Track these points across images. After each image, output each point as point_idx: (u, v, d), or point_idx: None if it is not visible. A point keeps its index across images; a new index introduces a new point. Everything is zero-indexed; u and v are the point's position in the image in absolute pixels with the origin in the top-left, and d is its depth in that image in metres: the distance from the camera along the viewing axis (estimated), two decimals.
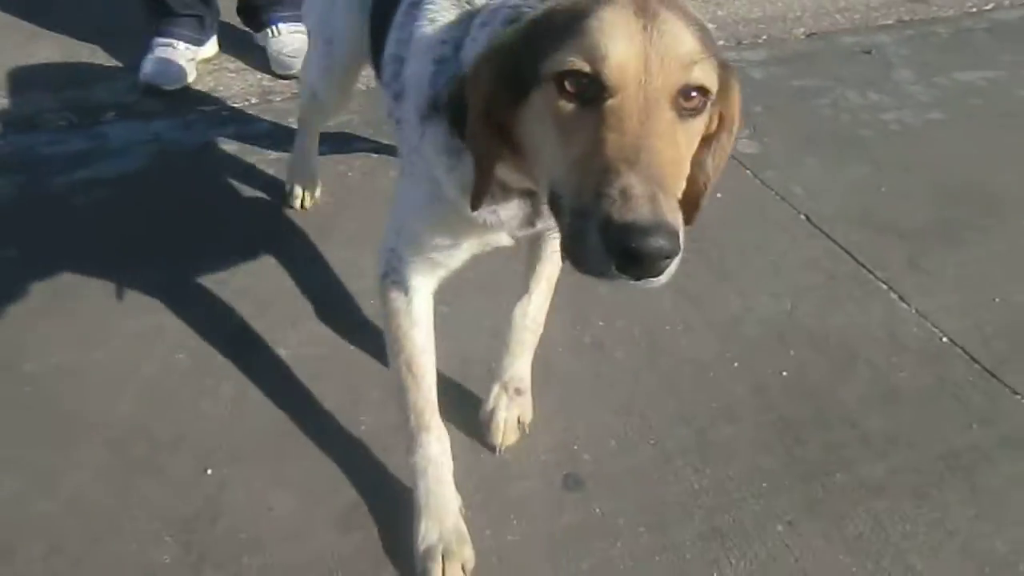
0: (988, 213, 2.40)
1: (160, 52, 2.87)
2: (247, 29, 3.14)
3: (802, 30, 3.56)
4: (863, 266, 2.15)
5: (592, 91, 0.97)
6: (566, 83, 0.98)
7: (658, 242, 0.86)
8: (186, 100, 2.79)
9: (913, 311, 2.01)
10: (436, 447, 1.47)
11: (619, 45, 0.96)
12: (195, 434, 1.65)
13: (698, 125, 1.03)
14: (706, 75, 1.00)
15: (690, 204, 1.13)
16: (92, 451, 1.59)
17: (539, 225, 1.29)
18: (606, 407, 1.74)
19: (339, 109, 2.18)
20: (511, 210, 1.25)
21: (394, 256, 1.40)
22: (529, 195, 1.22)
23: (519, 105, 1.05)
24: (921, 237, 2.27)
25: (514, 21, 1.12)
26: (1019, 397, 1.78)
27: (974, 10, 3.80)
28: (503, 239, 1.36)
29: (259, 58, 3.04)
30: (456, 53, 1.21)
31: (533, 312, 1.68)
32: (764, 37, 3.48)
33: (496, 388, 1.69)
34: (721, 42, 3.40)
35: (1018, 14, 3.78)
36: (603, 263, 0.90)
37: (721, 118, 1.11)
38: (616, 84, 0.96)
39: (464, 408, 1.71)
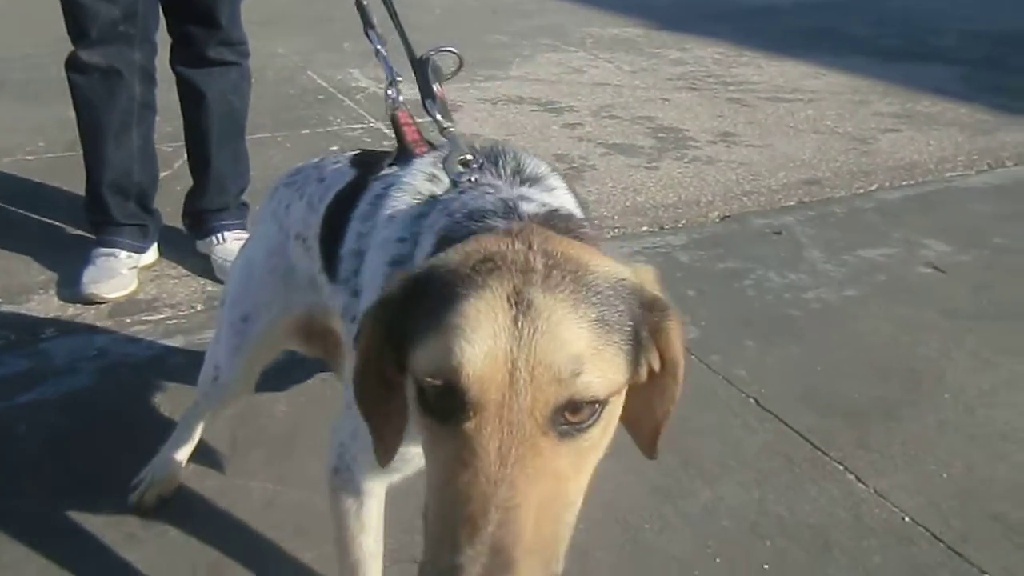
0: (914, 388, 2.57)
1: (101, 262, 2.86)
2: (185, 232, 3.18)
3: (716, 213, 3.85)
4: (817, 448, 2.25)
5: (451, 406, 0.82)
6: (425, 392, 0.85)
7: None
8: (130, 310, 2.76)
9: (872, 491, 2.10)
10: None
11: (476, 350, 0.80)
12: None
13: (592, 437, 0.86)
14: (599, 382, 0.83)
15: (649, 438, 1.07)
16: None
17: None
18: None
19: (239, 396, 1.92)
20: None
21: (346, 453, 1.30)
22: None
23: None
24: (863, 416, 2.41)
25: (444, 240, 1.03)
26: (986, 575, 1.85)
27: (861, 191, 4.20)
28: None
29: (200, 263, 3.06)
30: (414, 252, 1.12)
31: None
32: (683, 221, 3.74)
33: None
34: (644, 228, 3.64)
35: (899, 194, 4.20)
36: None
37: (663, 362, 0.96)
38: (474, 403, 0.80)
39: None
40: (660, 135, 4.95)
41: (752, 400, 2.45)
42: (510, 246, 0.90)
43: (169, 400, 2.31)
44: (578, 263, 0.90)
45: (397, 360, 0.92)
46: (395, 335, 0.91)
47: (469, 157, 1.19)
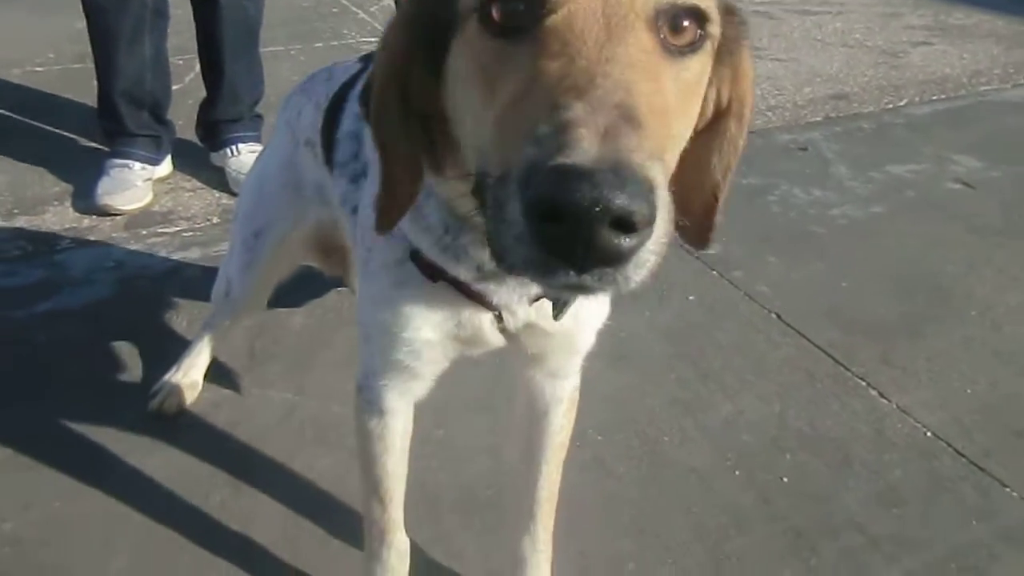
0: (941, 304, 2.52)
1: (115, 173, 2.82)
2: (200, 146, 3.13)
3: None
4: (840, 363, 2.22)
5: (527, 11, 0.70)
6: (492, 10, 0.71)
7: (607, 191, 0.55)
8: (146, 223, 2.74)
9: (894, 407, 2.08)
10: (395, 559, 1.41)
11: None
12: None
13: (693, 70, 0.75)
14: None
15: (701, 219, 0.92)
16: None
17: (535, 289, 1.01)
18: (618, 528, 1.72)
19: (251, 311, 1.93)
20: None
21: (367, 370, 1.23)
22: None
23: (442, 71, 0.80)
24: (887, 332, 2.37)
25: None
26: (1008, 490, 1.84)
27: (891, 106, 4.08)
28: (488, 332, 1.12)
29: (215, 176, 3.02)
30: None
31: (543, 534, 1.48)
32: None
33: None
34: None
35: (929, 109, 4.08)
36: (524, 243, 0.59)
37: (729, 99, 0.84)
38: None
39: (472, 536, 1.67)
40: None
41: (774, 315, 2.41)
42: None
43: (186, 311, 2.30)
44: None
45: (431, 71, 0.79)
46: (427, 34, 0.78)
47: None
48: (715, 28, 0.76)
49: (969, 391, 2.15)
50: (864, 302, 2.51)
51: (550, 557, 1.53)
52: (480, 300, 1.06)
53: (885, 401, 2.10)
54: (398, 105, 0.83)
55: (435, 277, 1.05)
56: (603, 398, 2.02)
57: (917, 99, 4.19)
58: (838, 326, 2.38)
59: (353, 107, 1.22)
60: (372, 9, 5.17)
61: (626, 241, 0.57)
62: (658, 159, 0.61)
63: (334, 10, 5.19)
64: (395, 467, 1.33)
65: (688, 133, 0.79)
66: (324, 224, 1.58)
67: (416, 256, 1.05)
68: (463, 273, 1.02)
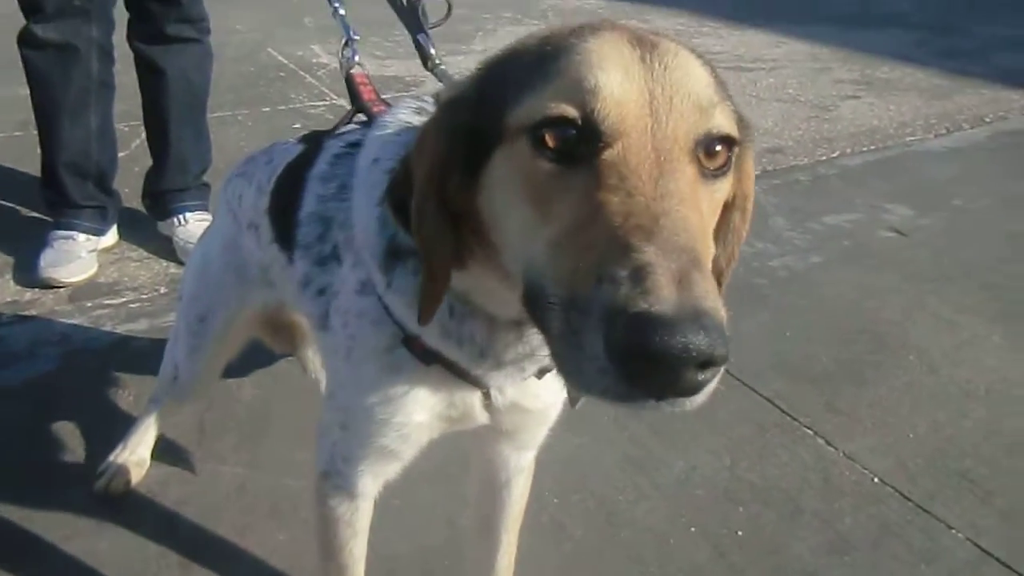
0: (880, 350, 2.60)
1: (59, 245, 2.78)
2: (147, 214, 3.11)
3: None
4: (787, 414, 2.28)
5: (582, 143, 0.75)
6: (546, 136, 0.76)
7: (694, 338, 0.62)
8: (91, 294, 2.70)
9: (841, 454, 2.13)
10: None
11: (614, 77, 0.76)
12: None
13: (723, 189, 0.82)
14: (730, 121, 0.81)
15: None
16: None
17: (532, 370, 1.05)
18: None
19: (200, 395, 1.87)
20: (495, 351, 1.02)
21: (337, 455, 1.20)
22: (517, 325, 1.00)
23: (479, 176, 0.84)
24: (831, 380, 2.44)
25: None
26: (954, 531, 1.89)
27: (824, 158, 4.24)
28: (477, 411, 1.14)
29: (162, 245, 3.00)
30: None
31: None
32: None
33: None
34: None
35: (860, 160, 4.25)
36: (607, 375, 0.66)
37: (734, 195, 0.90)
38: (615, 129, 0.75)
39: None
40: None
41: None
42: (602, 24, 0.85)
43: (134, 385, 2.27)
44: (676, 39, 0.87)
45: (467, 170, 0.84)
46: (465, 141, 0.83)
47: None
48: (738, 145, 0.84)
49: (911, 435, 2.22)
50: (807, 351, 2.58)
51: None
52: (472, 380, 1.08)
53: (832, 449, 2.15)
54: (436, 207, 0.87)
55: (429, 360, 1.06)
56: (559, 460, 2.03)
57: (849, 151, 4.36)
58: (784, 376, 2.44)
59: (315, 188, 1.23)
60: (319, 73, 5.22)
61: (705, 376, 0.65)
62: (717, 294, 0.68)
63: (281, 74, 5.23)
64: (360, 550, 1.32)
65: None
66: (270, 304, 1.58)
67: (409, 341, 1.06)
68: (464, 358, 1.04)
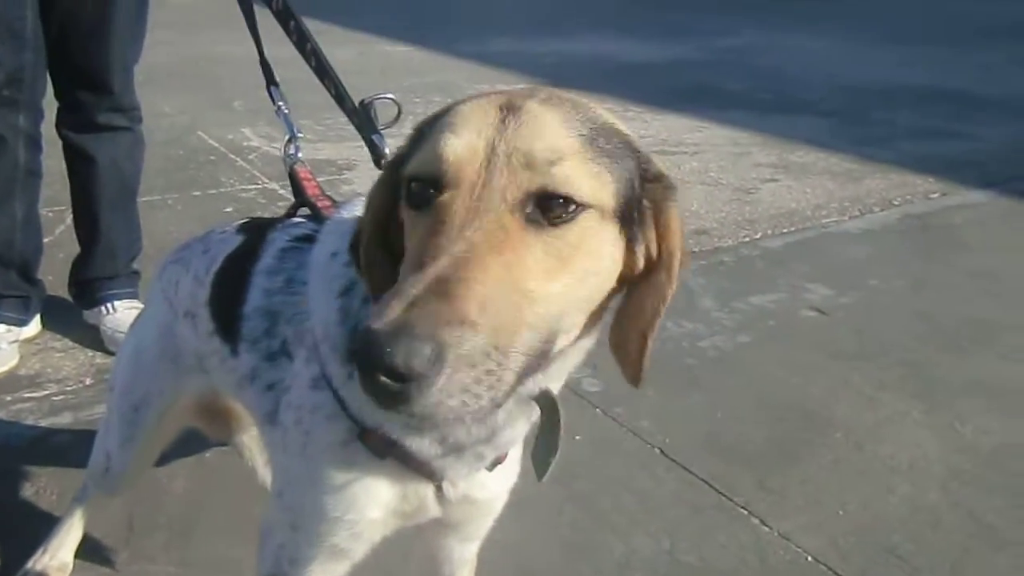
0: (808, 428, 2.69)
1: None
2: (71, 301, 3.04)
3: None
4: (722, 494, 2.32)
5: (431, 191, 0.86)
6: (412, 186, 0.89)
7: (384, 351, 0.70)
8: (11, 387, 2.60)
9: (776, 533, 2.18)
10: None
11: (461, 138, 0.86)
12: None
13: (571, 236, 0.85)
14: (574, 179, 0.85)
15: (635, 360, 1.02)
16: None
17: (489, 460, 1.10)
18: None
19: (130, 486, 1.81)
20: (457, 434, 1.05)
21: (284, 556, 1.17)
22: None
23: None
24: (762, 458, 2.50)
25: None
26: None
27: (747, 239, 4.41)
28: (430, 504, 1.15)
29: (88, 334, 2.93)
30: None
31: None
32: None
33: None
34: None
35: (781, 241, 4.43)
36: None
37: (659, 252, 0.94)
38: (449, 181, 0.85)
39: None
40: None
41: (657, 450, 2.51)
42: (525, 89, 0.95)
43: (56, 483, 2.18)
44: (586, 106, 0.94)
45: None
46: (401, 189, 0.93)
47: None
48: (599, 201, 0.87)
49: (841, 512, 2.28)
50: (739, 430, 2.64)
51: None
52: (425, 472, 1.09)
53: (767, 528, 2.20)
54: (384, 256, 0.97)
55: (384, 454, 1.07)
56: (499, 547, 2.00)
57: (770, 232, 4.55)
58: (717, 455, 2.49)
59: (261, 282, 1.24)
60: (251, 157, 5.23)
61: (401, 385, 0.70)
62: (468, 320, 0.74)
63: (211, 157, 5.23)
64: None
65: (586, 288, 0.90)
66: (205, 392, 1.56)
67: (364, 435, 1.06)
68: (425, 448, 1.06)
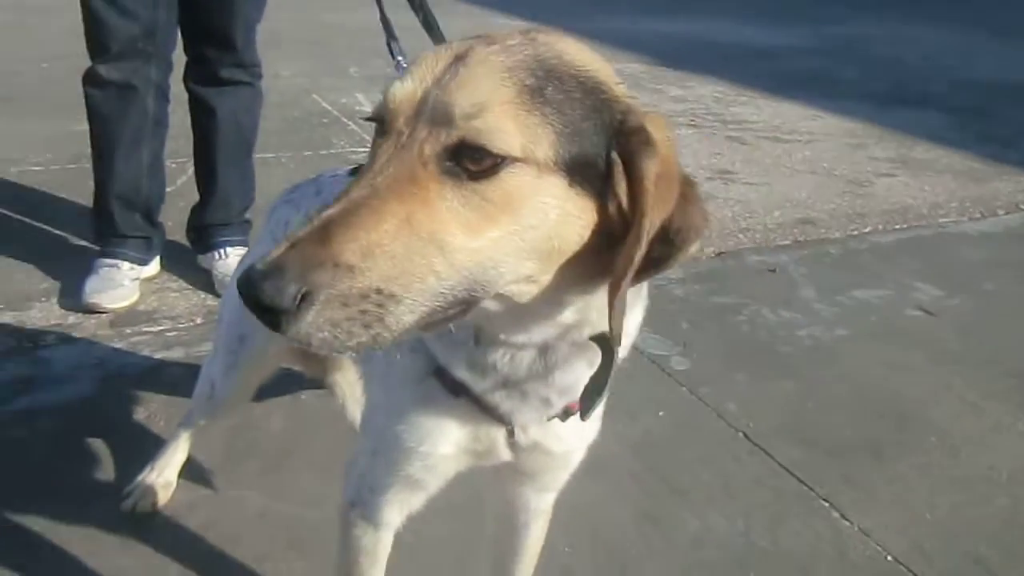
0: (901, 428, 2.60)
1: (103, 272, 2.89)
2: (188, 247, 3.22)
3: (712, 249, 3.90)
4: (804, 483, 2.28)
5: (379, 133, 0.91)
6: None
7: (254, 288, 0.77)
8: (131, 321, 2.79)
9: (856, 529, 2.13)
10: None
11: (404, 85, 0.89)
12: None
13: (492, 192, 0.83)
14: (498, 135, 0.82)
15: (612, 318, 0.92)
16: None
17: (558, 407, 1.08)
18: None
19: (233, 410, 1.94)
20: (518, 379, 1.05)
21: (364, 484, 1.24)
22: (541, 353, 1.03)
23: None
24: (850, 452, 2.44)
25: None
26: None
27: (856, 233, 4.27)
28: (500, 447, 1.17)
29: (201, 278, 3.10)
30: None
31: None
32: None
33: None
34: None
35: (892, 237, 4.27)
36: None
37: (632, 208, 0.88)
38: (386, 127, 0.89)
39: None
40: None
41: (741, 433, 2.48)
42: (514, 32, 0.94)
43: (165, 411, 2.33)
44: (553, 46, 0.91)
45: None
46: None
47: None
48: (529, 153, 0.84)
49: (929, 516, 2.21)
50: (828, 422, 2.58)
51: None
52: (496, 416, 1.11)
53: (847, 523, 2.15)
54: None
55: (457, 392, 1.11)
56: (573, 510, 2.03)
57: (881, 227, 4.39)
58: (803, 445, 2.45)
59: None
60: (362, 121, 5.38)
61: (271, 317, 0.77)
62: (343, 265, 0.78)
63: (324, 120, 5.40)
64: None
65: (526, 241, 0.86)
66: None
67: (440, 372, 1.11)
68: (488, 388, 1.08)
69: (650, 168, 0.87)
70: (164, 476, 1.99)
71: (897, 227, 4.40)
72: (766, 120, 6.29)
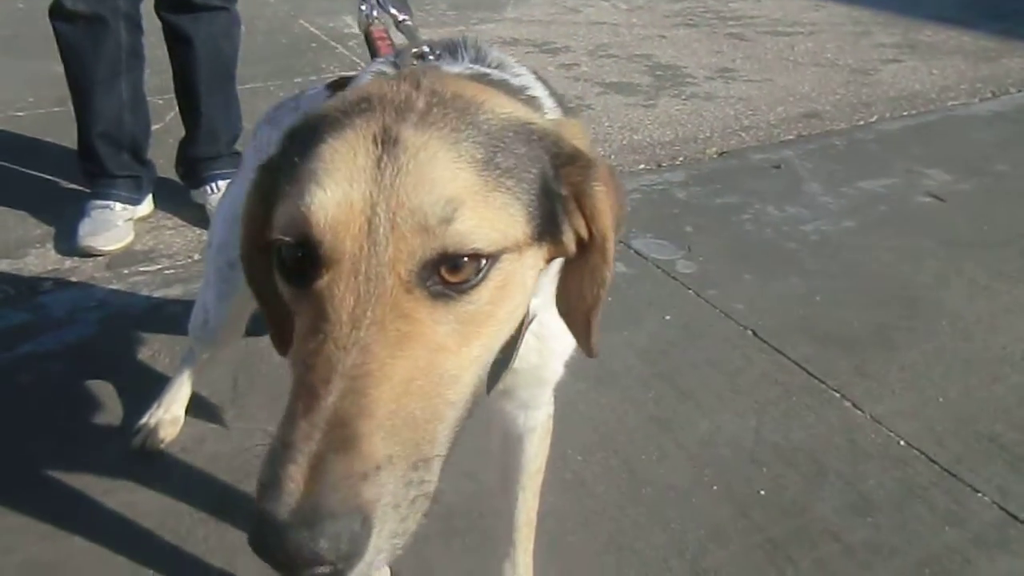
0: (912, 315, 2.56)
1: (96, 214, 2.85)
2: (180, 183, 3.17)
3: (714, 149, 3.81)
4: (814, 377, 2.26)
5: (307, 265, 0.72)
6: (282, 251, 0.74)
7: (297, 543, 0.60)
8: (127, 262, 2.76)
9: (868, 417, 2.11)
10: None
11: (329, 195, 0.70)
12: None
13: (485, 296, 0.74)
14: (480, 232, 0.71)
15: (583, 334, 0.94)
16: None
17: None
18: (598, 546, 1.74)
19: (229, 340, 1.88)
20: None
21: None
22: None
23: None
24: (861, 344, 2.41)
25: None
26: (980, 495, 1.87)
27: (862, 123, 4.16)
28: None
29: (196, 213, 3.06)
30: None
31: (523, 558, 1.51)
32: (680, 158, 3.70)
33: None
34: (641, 166, 3.61)
35: (899, 125, 4.16)
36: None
37: (590, 235, 0.83)
38: (326, 256, 0.70)
39: (453, 559, 1.69)
40: (657, 73, 4.88)
41: (750, 332, 2.45)
42: (394, 86, 0.78)
43: (168, 348, 2.33)
44: (469, 101, 0.78)
45: None
46: (272, 201, 0.79)
47: (425, 49, 1.06)
48: (512, 240, 0.74)
49: (941, 400, 2.19)
50: (838, 315, 2.55)
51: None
52: None
53: (859, 412, 2.14)
54: (262, 260, 0.85)
55: None
56: (582, 419, 2.06)
57: (888, 115, 4.27)
58: (813, 340, 2.42)
59: None
60: (351, 43, 5.23)
61: (332, 569, 0.61)
62: (382, 464, 0.64)
63: (312, 45, 5.26)
64: None
65: (511, 323, 0.80)
66: None
67: None
68: None
69: (599, 192, 0.80)
70: (171, 412, 2.00)
71: (904, 114, 4.29)
72: (767, 14, 6.09)
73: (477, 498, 1.80)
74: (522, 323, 0.96)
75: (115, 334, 2.39)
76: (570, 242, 0.83)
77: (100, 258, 2.77)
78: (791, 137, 3.96)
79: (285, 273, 0.74)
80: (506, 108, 0.81)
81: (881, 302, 2.62)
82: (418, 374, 0.69)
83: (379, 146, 0.71)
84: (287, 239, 0.71)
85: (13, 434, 1.99)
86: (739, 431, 2.07)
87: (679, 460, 1.97)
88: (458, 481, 1.86)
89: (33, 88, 4.24)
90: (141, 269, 2.73)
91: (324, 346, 0.67)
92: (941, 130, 4.09)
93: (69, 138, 3.21)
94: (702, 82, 4.73)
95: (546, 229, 0.80)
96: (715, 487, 1.90)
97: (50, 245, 2.85)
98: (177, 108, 3.14)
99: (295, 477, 0.62)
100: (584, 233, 0.83)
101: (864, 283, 2.73)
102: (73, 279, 2.66)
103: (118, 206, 2.89)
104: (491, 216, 0.72)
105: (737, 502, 1.85)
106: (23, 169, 3.40)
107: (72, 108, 2.92)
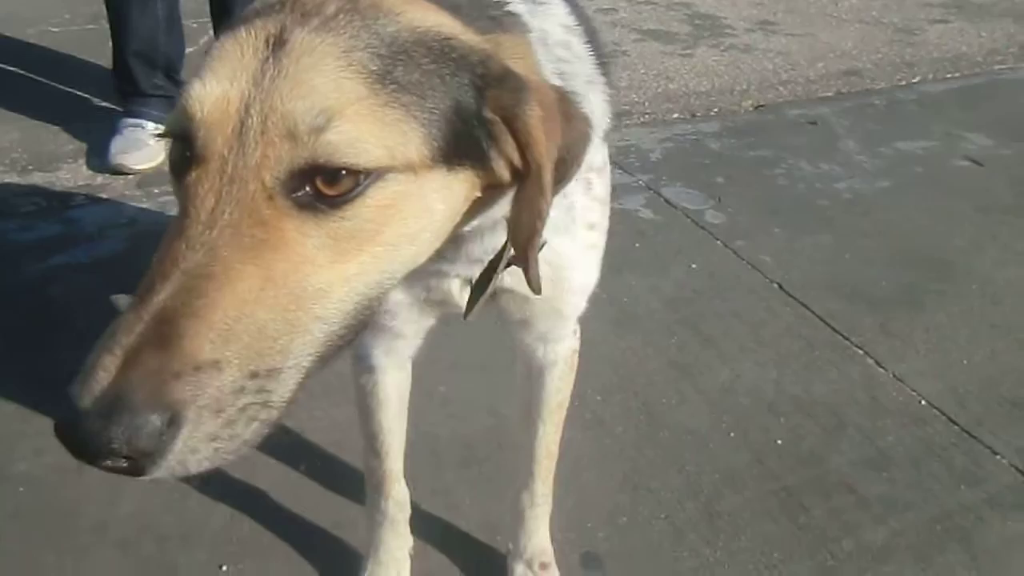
0: (942, 278, 2.54)
1: (128, 132, 2.85)
2: None
3: (750, 102, 3.75)
4: (838, 333, 2.25)
5: (186, 160, 0.70)
6: (171, 147, 0.73)
7: (99, 438, 0.59)
8: (158, 182, 2.77)
9: (890, 375, 2.11)
10: (394, 508, 1.47)
11: (208, 91, 0.68)
12: (204, 528, 1.61)
13: (363, 214, 0.70)
14: (359, 146, 0.67)
15: (524, 265, 0.89)
16: (102, 553, 1.54)
17: (485, 261, 0.99)
18: (613, 484, 1.76)
19: None
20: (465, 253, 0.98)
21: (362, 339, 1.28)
22: (478, 234, 0.96)
23: None
24: (887, 303, 2.39)
25: None
26: (999, 457, 1.87)
27: (903, 83, 4.06)
28: (458, 296, 1.10)
29: None
30: None
31: (542, 488, 1.52)
32: (715, 109, 3.65)
33: (519, 568, 1.55)
34: (675, 115, 3.56)
35: (942, 87, 4.06)
36: None
37: (525, 162, 0.78)
38: (199, 153, 0.68)
39: (471, 489, 1.72)
40: (696, 22, 4.78)
41: (776, 285, 2.44)
42: None
43: None
44: (381, 11, 0.73)
45: None
46: None
47: None
48: (401, 159, 0.70)
49: (966, 362, 2.17)
50: (866, 274, 2.52)
51: (548, 511, 1.57)
52: (437, 269, 1.05)
53: (882, 370, 2.13)
54: None
55: None
56: (604, 360, 2.06)
57: (931, 76, 4.17)
58: (839, 297, 2.40)
59: None
60: None
61: (131, 463, 0.60)
62: (204, 365, 0.62)
63: None
64: (390, 422, 1.38)
65: (413, 246, 0.76)
66: None
67: None
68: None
69: (532, 116, 0.74)
70: None
71: (948, 76, 4.19)
72: None
73: (497, 431, 1.83)
74: (502, 251, 0.95)
75: (145, 250, 2.37)
76: (501, 170, 0.78)
77: (131, 176, 2.78)
78: (829, 94, 3.88)
79: (172, 168, 0.73)
80: (426, 21, 0.75)
81: (911, 263, 2.59)
82: (270, 284, 0.66)
83: (269, 47, 0.69)
84: (171, 132, 0.71)
85: (43, 343, 2.03)
86: (759, 381, 2.07)
87: (698, 405, 1.98)
88: (478, 414, 1.89)
89: (69, 5, 4.22)
90: (170, 189, 2.73)
91: (175, 242, 0.65)
92: (986, 94, 3.99)
93: (103, 56, 3.21)
94: (741, 34, 4.63)
95: (465, 153, 0.75)
96: (732, 434, 1.91)
97: (82, 161, 2.87)
98: (211, 31, 3.12)
99: (107, 367, 0.61)
100: (518, 161, 0.78)
101: (895, 243, 2.70)
102: (104, 195, 2.68)
103: (150, 125, 2.89)
104: (376, 131, 0.68)
105: (754, 450, 1.86)
106: (57, 84, 3.41)
107: (107, 26, 2.90)
